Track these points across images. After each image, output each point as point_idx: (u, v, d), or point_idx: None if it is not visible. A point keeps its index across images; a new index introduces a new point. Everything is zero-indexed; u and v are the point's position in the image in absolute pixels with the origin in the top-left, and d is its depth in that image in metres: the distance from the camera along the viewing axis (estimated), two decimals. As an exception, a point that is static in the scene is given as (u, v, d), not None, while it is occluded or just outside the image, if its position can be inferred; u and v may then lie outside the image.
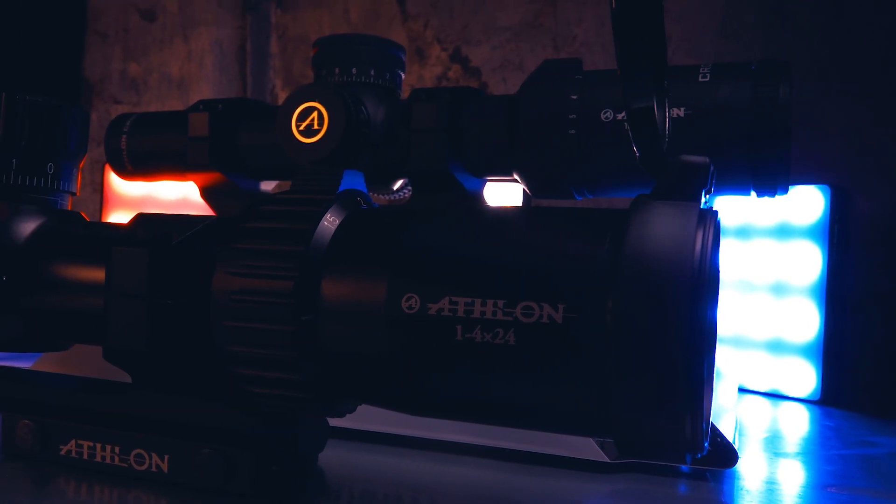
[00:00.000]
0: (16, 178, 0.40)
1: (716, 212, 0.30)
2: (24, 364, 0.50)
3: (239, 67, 1.16)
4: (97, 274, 0.37)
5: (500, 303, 0.29)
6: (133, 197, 0.81)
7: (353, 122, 0.53)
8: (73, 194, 0.43)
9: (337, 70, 0.57)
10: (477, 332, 0.29)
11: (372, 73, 0.57)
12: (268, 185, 0.64)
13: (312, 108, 0.54)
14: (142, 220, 0.38)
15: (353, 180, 0.36)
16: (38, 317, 0.39)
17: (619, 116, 0.49)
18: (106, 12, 1.17)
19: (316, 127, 0.54)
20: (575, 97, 0.50)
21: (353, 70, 0.57)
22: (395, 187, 0.59)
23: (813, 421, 0.64)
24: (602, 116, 0.49)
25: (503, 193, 0.79)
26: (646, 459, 0.41)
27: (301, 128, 0.54)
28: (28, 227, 0.40)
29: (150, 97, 1.16)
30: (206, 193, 0.62)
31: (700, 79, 0.48)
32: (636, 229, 0.28)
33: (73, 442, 0.38)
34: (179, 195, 0.79)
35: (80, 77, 1.16)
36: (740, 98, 0.47)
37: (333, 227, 0.33)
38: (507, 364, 0.29)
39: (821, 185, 0.71)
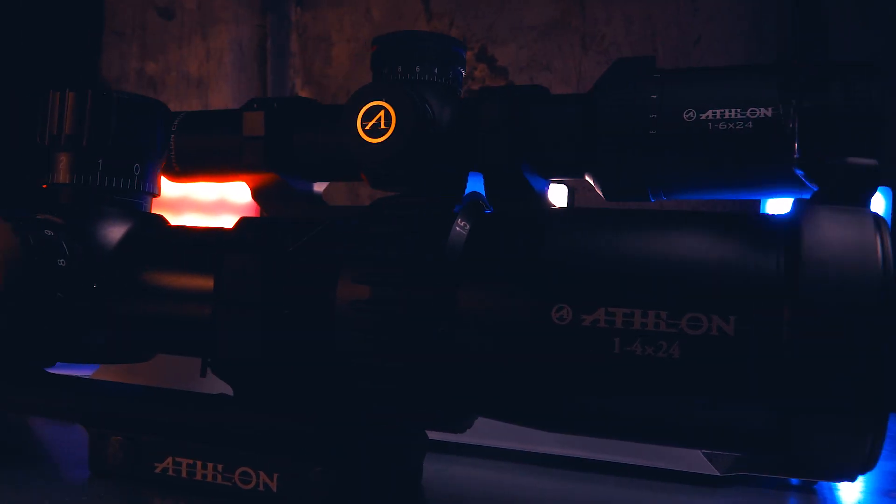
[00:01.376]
0: (102, 179, 0.37)
1: (884, 217, 0.28)
2: (83, 373, 0.48)
3: (258, 66, 1.13)
4: (201, 282, 0.35)
5: (663, 314, 0.27)
6: (170, 198, 0.79)
7: (421, 122, 0.51)
8: (155, 195, 0.40)
9: (399, 68, 0.55)
10: (637, 345, 0.27)
11: (435, 71, 0.56)
12: (320, 187, 0.62)
13: (379, 108, 0.52)
14: (247, 224, 0.36)
15: (473, 182, 0.35)
16: (130, 326, 0.37)
17: (703, 116, 0.48)
18: (123, 10, 1.15)
19: (383, 126, 0.52)
20: (655, 96, 0.48)
21: (417, 68, 0.55)
22: (457, 189, 0.57)
23: None
24: (685, 116, 0.48)
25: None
26: (818, 479, 0.40)
27: (367, 127, 0.52)
28: (117, 231, 0.37)
29: (167, 96, 1.13)
30: (258, 194, 0.60)
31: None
32: (811, 236, 0.26)
33: (169, 459, 0.35)
34: (217, 196, 0.77)
35: (97, 76, 1.14)
36: (832, 98, 0.45)
37: (465, 233, 0.31)
38: (670, 379, 0.27)
39: (882, 187, 0.69)
